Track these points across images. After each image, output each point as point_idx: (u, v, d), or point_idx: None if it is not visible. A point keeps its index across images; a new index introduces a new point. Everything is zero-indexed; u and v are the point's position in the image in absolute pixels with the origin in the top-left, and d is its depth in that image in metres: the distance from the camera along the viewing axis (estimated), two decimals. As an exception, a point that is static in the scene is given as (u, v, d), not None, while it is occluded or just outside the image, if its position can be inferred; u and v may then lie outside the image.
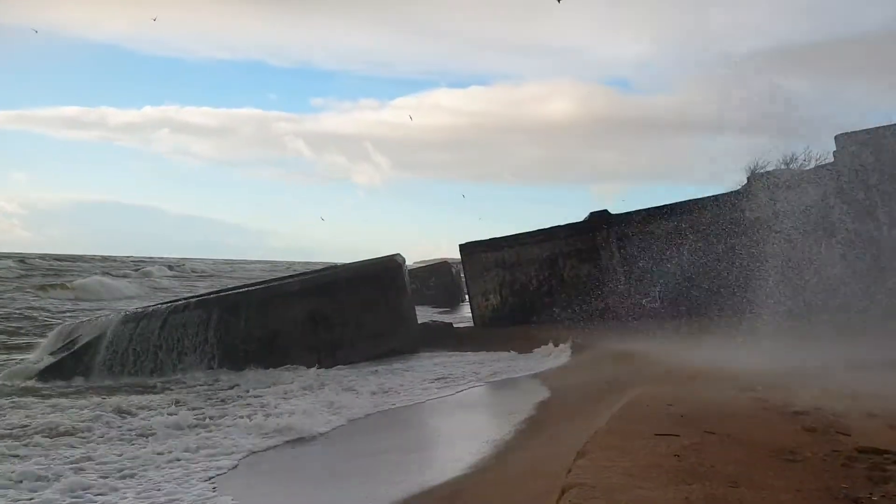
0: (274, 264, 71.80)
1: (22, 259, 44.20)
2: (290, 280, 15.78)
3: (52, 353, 12.71)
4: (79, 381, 11.69)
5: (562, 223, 15.82)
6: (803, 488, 3.85)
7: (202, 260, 70.20)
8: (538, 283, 15.75)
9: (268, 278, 22.39)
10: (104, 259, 55.83)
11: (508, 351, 13.37)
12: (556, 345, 12.62)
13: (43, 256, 51.72)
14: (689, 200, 14.96)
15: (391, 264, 15.23)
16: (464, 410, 8.79)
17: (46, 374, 11.82)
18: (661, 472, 4.09)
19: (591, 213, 15.55)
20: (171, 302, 16.03)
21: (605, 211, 15.47)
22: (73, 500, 5.49)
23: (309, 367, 12.39)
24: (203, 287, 31.65)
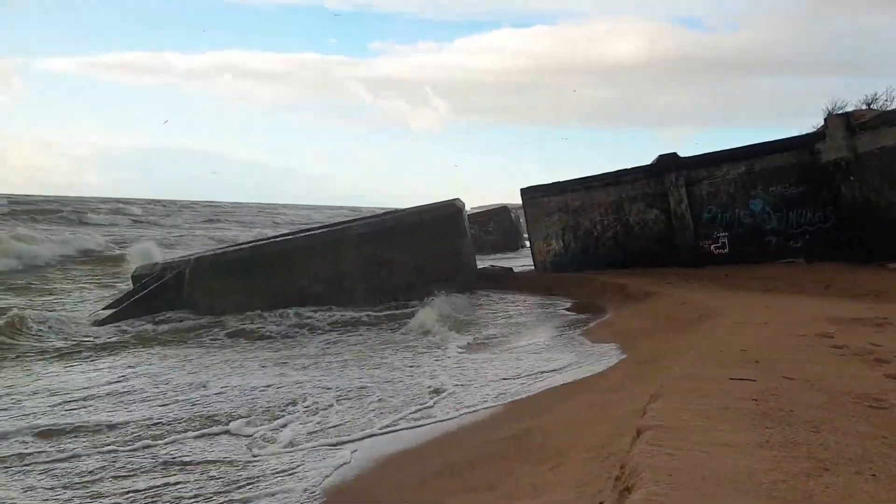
0: (332, 209, 72.83)
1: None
2: (352, 224, 15.98)
3: (131, 296, 13.11)
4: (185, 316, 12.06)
5: (628, 167, 15.49)
6: (890, 436, 3.70)
7: (269, 205, 71.69)
8: (602, 229, 15.49)
9: (329, 222, 22.69)
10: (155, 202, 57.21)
11: (570, 296, 13.26)
12: (620, 291, 12.44)
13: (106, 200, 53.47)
14: (763, 143, 14.43)
15: (451, 209, 15.22)
16: (525, 352, 8.76)
17: (127, 311, 12.22)
18: (739, 415, 3.98)
19: (660, 156, 15.14)
20: (243, 244, 16.39)
21: (674, 154, 15.04)
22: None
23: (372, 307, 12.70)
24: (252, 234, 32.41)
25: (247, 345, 10.24)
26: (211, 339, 10.66)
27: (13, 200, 44.75)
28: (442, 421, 5.90)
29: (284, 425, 5.97)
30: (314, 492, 4.52)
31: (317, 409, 6.42)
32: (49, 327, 10.75)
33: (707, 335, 6.88)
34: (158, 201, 60.96)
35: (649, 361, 6.69)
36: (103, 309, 12.88)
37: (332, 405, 6.57)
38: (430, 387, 7.19)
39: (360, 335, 10.60)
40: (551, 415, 5.31)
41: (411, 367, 8.31)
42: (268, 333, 10.93)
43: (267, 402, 6.78)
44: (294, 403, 6.67)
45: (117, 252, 22.60)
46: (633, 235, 15.25)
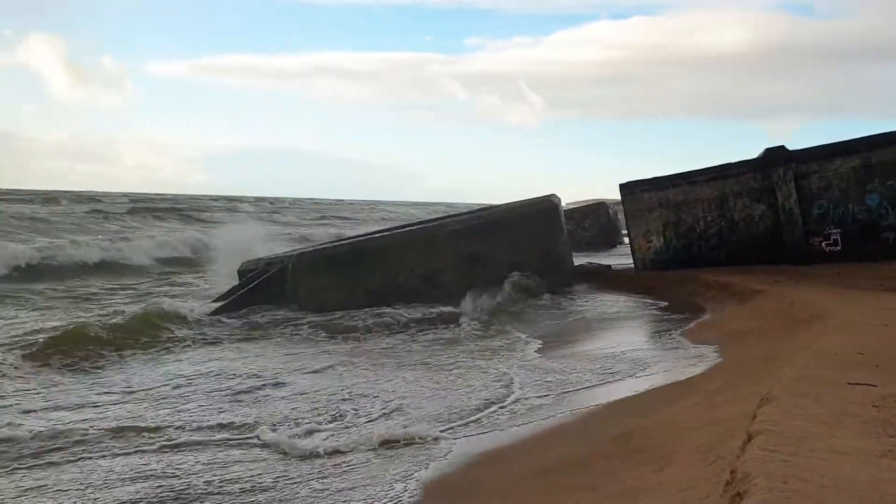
0: (426, 206, 73.66)
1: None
2: (447, 220, 16.07)
3: (237, 290, 13.58)
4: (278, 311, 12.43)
5: (731, 161, 14.92)
6: None
7: (364, 202, 73.35)
8: (706, 225, 14.96)
9: (422, 218, 22.92)
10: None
11: (672, 295, 12.89)
12: (724, 289, 12.00)
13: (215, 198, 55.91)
14: (880, 134, 13.62)
15: (547, 205, 15.07)
16: (623, 352, 8.57)
17: (230, 307, 12.70)
18: (858, 421, 3.77)
19: (767, 150, 14.50)
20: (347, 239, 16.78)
21: (782, 147, 14.37)
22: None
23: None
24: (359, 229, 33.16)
25: (332, 340, 10.40)
26: (304, 334, 10.81)
27: (132, 199, 47.48)
28: (543, 420, 5.84)
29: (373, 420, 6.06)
30: (411, 487, 4.56)
31: (403, 406, 6.47)
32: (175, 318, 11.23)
33: (819, 336, 6.54)
34: (264, 199, 63.19)
35: (757, 363, 6.42)
36: (213, 301, 13.41)
37: (420, 401, 6.62)
38: (524, 384, 7.14)
39: (451, 332, 10.61)
40: (654, 416, 5.17)
41: (503, 362, 8.29)
42: (355, 327, 11.10)
43: (350, 396, 6.90)
44: (377, 397, 6.77)
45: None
46: (737, 232, 14.68)
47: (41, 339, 9.16)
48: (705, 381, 6.18)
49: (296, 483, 4.70)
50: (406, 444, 5.35)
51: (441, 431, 5.64)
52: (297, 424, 5.98)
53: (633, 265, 15.99)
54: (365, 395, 6.88)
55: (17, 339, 9.62)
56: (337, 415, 6.24)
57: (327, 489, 4.59)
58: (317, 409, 6.47)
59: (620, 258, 19.56)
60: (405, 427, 5.76)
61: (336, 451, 5.26)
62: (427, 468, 4.88)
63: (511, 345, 9.39)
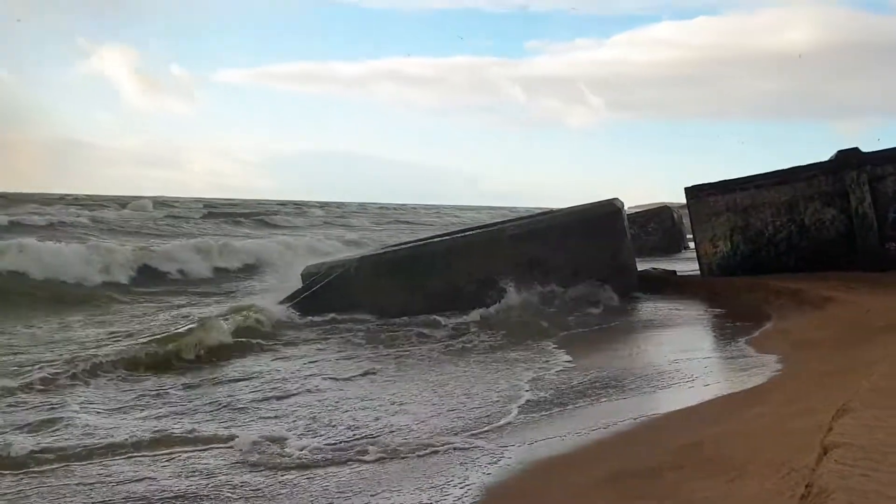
0: (488, 209, 73.72)
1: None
2: (506, 224, 16.00)
3: (302, 292, 13.79)
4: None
5: (800, 164, 14.45)
6: None
7: (424, 206, 73.94)
8: (774, 230, 14.53)
9: (486, 222, 22.86)
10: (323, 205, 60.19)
11: (739, 301, 12.55)
12: (794, 296, 11.62)
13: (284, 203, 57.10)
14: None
15: (609, 208, 14.82)
16: (688, 359, 8.39)
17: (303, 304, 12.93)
18: (945, 437, 3.59)
19: (839, 152, 14.01)
20: (397, 246, 16.90)
21: (856, 149, 13.87)
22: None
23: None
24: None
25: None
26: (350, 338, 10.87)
27: (207, 204, 48.93)
28: (605, 427, 5.75)
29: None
30: (472, 492, 4.54)
31: (446, 412, 6.46)
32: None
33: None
34: (329, 203, 64.20)
35: (831, 373, 6.19)
36: (279, 304, 13.65)
37: (466, 406, 6.59)
38: (586, 389, 7.06)
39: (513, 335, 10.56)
40: (723, 425, 5.04)
41: (566, 362, 8.22)
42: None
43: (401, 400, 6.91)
44: (416, 404, 6.76)
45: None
46: (808, 237, 14.21)
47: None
48: (776, 391, 5.99)
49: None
50: (458, 450, 5.33)
51: (493, 437, 5.62)
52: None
53: (698, 271, 15.64)
54: (403, 403, 6.88)
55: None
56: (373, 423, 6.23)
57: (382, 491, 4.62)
58: (355, 420, 6.45)
59: (685, 264, 19.16)
60: (455, 434, 5.75)
61: (384, 458, 5.27)
62: (489, 474, 4.86)
63: (566, 350, 9.27)
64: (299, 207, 52.90)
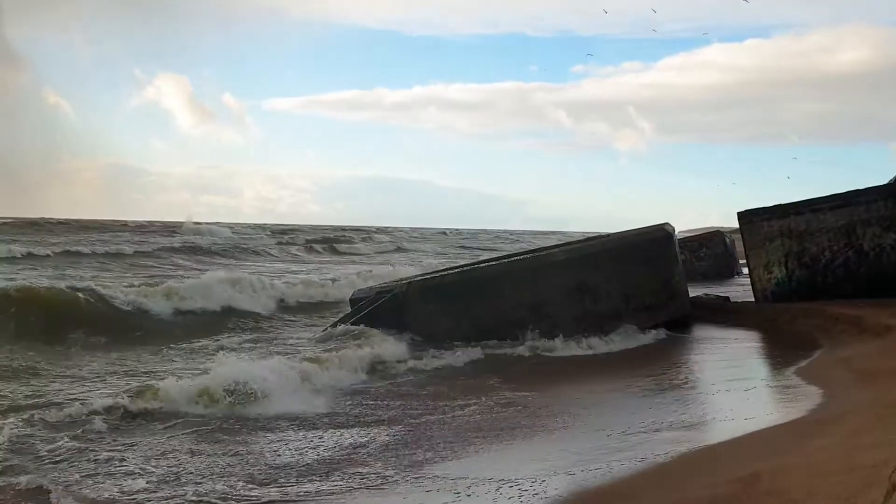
0: (534, 234, 73.48)
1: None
2: (556, 250, 15.82)
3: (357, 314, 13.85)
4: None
5: (858, 187, 14.06)
6: None
7: (467, 230, 74.19)
8: (831, 255, 14.12)
9: (533, 248, 22.71)
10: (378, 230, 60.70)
11: (796, 329, 12.20)
12: (855, 324, 11.24)
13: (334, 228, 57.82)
14: None
15: (660, 234, 14.58)
16: (750, 390, 8.16)
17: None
18: None
19: (899, 175, 13.63)
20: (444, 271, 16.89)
21: (916, 172, 13.45)
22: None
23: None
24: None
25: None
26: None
27: (276, 230, 49.91)
28: (657, 455, 5.61)
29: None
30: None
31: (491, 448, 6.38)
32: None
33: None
34: (385, 228, 64.65)
35: (895, 406, 5.94)
36: (324, 330, 13.75)
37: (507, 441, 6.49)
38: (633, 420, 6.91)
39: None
40: (783, 458, 4.86)
41: (608, 396, 8.07)
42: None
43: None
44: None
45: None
46: (867, 262, 13.78)
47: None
48: (838, 423, 5.77)
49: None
50: (510, 485, 5.24)
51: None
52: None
53: (752, 297, 15.28)
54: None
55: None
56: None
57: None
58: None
59: (739, 290, 18.75)
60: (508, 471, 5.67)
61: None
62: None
63: (624, 380, 9.12)
64: (365, 233, 53.50)
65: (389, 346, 11.42)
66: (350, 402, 8.22)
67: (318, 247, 39.58)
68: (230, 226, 50.04)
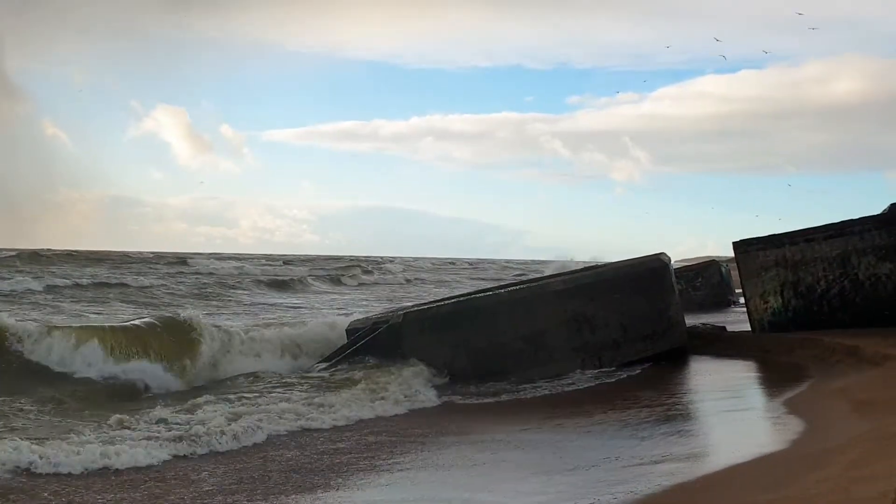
0: (537, 263, 73.64)
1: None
2: (551, 279, 15.78)
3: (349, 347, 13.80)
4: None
5: (853, 216, 14.12)
6: None
7: (465, 259, 74.30)
8: (827, 285, 14.14)
9: (529, 277, 22.68)
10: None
11: (792, 359, 12.17)
12: (852, 354, 11.23)
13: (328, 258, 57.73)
14: None
15: (656, 263, 14.59)
16: (746, 421, 8.13)
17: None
18: None
19: (893, 205, 13.68)
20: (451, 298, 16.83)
21: (909, 200, 13.53)
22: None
23: (572, 368, 12.51)
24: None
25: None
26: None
27: (296, 260, 49.86)
28: (649, 489, 5.57)
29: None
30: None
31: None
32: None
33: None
34: (384, 258, 64.62)
35: (893, 437, 5.91)
36: (320, 361, 13.68)
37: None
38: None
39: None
40: (782, 490, 4.83)
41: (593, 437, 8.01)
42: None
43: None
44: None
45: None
46: (862, 292, 13.79)
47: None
48: (836, 456, 5.73)
49: None
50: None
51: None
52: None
53: (749, 327, 15.27)
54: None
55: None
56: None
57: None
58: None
59: (735, 318, 18.74)
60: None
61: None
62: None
63: (619, 417, 9.07)
64: (374, 263, 53.53)
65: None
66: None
67: (343, 278, 39.80)
68: (233, 255, 50.11)
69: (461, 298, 15.79)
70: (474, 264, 66.46)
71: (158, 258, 42.75)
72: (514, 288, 15.42)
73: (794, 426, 7.63)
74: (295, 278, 35.87)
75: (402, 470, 6.78)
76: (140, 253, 47.05)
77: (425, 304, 17.44)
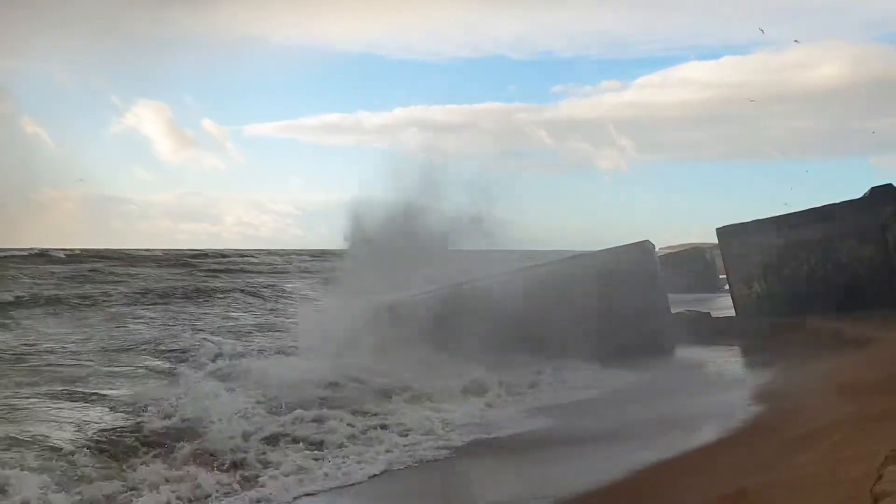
0: (515, 253, 73.48)
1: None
2: (537, 268, 15.83)
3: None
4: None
5: (836, 201, 14.26)
6: None
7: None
8: (810, 269, 14.28)
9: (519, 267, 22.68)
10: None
11: (777, 343, 12.30)
12: (835, 337, 11.36)
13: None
14: None
15: (640, 251, 14.67)
16: (730, 404, 8.21)
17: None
18: None
19: (873, 189, 13.83)
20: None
21: (890, 185, 13.68)
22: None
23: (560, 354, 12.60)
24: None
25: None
26: None
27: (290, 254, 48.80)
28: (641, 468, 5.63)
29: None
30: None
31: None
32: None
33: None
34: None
35: (877, 418, 5.99)
36: None
37: None
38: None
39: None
40: (767, 474, 4.88)
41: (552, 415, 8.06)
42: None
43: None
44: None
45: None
46: (845, 275, 13.93)
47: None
48: (821, 437, 5.81)
49: None
50: None
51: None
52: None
53: (733, 312, 15.41)
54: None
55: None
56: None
57: None
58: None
59: (720, 303, 18.90)
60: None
61: None
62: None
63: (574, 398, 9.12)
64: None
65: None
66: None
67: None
68: (217, 251, 49.58)
69: (448, 287, 15.65)
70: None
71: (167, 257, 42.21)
72: (499, 276, 15.36)
73: (779, 409, 7.71)
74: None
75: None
76: (127, 250, 46.29)
77: (423, 292, 17.18)
